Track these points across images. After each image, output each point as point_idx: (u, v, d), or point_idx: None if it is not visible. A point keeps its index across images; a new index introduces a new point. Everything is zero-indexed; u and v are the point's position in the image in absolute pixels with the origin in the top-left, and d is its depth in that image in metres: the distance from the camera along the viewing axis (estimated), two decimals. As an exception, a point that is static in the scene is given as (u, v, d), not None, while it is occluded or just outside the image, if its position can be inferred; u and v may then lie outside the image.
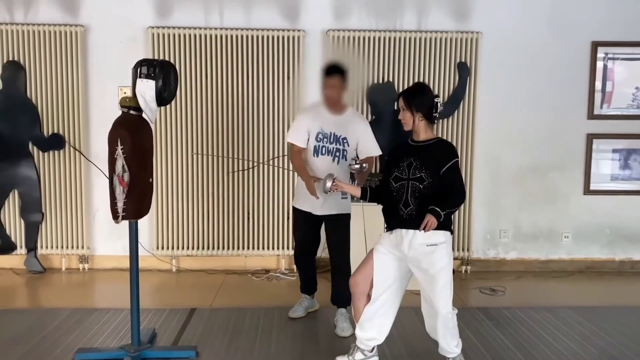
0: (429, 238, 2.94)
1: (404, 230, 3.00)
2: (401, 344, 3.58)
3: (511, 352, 3.51)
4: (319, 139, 3.75)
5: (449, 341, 3.07)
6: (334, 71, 3.74)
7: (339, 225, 3.78)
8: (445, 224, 2.97)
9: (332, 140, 3.74)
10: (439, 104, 3.06)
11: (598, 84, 5.23)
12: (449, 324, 3.03)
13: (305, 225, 3.91)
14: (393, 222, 3.07)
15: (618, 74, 5.25)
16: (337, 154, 3.74)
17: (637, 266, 5.40)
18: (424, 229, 2.88)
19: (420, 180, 2.97)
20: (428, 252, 2.95)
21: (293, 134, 3.81)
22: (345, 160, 3.74)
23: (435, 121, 3.12)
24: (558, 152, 5.28)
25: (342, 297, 3.72)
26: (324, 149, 3.74)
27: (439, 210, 2.88)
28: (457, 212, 5.17)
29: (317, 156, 3.75)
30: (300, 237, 3.99)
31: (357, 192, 3.25)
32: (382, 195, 3.18)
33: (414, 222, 2.95)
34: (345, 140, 3.74)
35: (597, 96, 5.24)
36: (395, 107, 5.03)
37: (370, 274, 3.10)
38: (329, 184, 3.19)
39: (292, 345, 3.58)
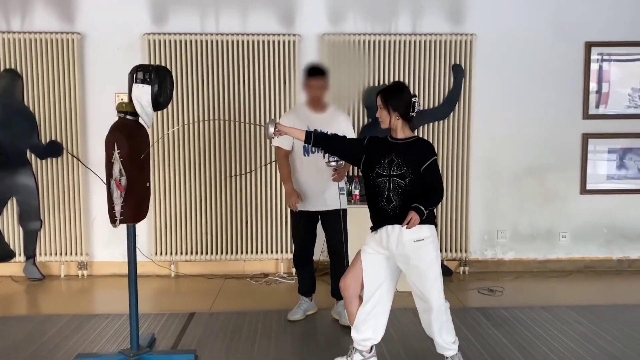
0: (416, 234, 2.97)
1: (390, 227, 3.03)
2: (400, 344, 3.59)
3: (510, 352, 3.52)
4: None
5: (445, 337, 3.08)
6: (317, 72, 3.88)
7: (336, 220, 3.82)
8: (429, 219, 3.01)
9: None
10: (416, 104, 3.08)
11: (594, 85, 5.26)
12: (443, 317, 3.05)
13: (304, 226, 3.98)
14: (378, 218, 3.10)
15: (613, 74, 5.28)
16: None
17: (634, 265, 5.41)
18: (407, 225, 2.91)
19: (402, 176, 3.01)
20: (416, 247, 2.99)
21: (278, 138, 3.74)
22: None
23: (412, 120, 3.13)
24: (554, 153, 5.30)
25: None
26: (313, 147, 3.77)
27: (422, 208, 2.92)
28: (454, 213, 5.20)
29: (308, 155, 3.83)
30: (300, 239, 4.04)
31: (302, 135, 3.24)
32: (332, 146, 3.27)
33: (399, 218, 2.97)
34: None
35: (594, 97, 5.26)
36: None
37: (359, 275, 3.12)
38: (271, 129, 3.17)
39: (291, 348, 3.59)
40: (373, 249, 3.11)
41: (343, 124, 3.89)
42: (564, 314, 4.15)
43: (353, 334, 3.18)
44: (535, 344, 3.63)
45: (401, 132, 3.11)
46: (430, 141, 4.98)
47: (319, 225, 4.02)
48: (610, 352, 3.51)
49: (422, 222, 2.95)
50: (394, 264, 3.10)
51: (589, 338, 3.73)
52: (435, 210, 3.17)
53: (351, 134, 3.91)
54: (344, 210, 3.87)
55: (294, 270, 5.22)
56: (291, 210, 4.00)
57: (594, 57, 5.22)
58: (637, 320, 4.10)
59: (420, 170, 3.01)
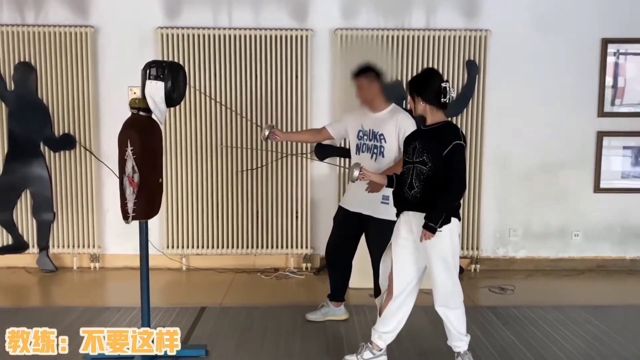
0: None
1: (411, 213, 3.07)
2: (410, 342, 3.58)
3: (520, 351, 3.50)
4: (360, 137, 3.79)
5: (454, 322, 3.10)
6: (357, 73, 3.80)
7: (376, 229, 3.67)
8: (449, 212, 3.00)
9: (370, 137, 3.75)
10: (447, 88, 3.00)
11: (610, 80, 5.18)
12: (450, 303, 3.08)
13: (340, 223, 3.88)
14: (399, 203, 3.14)
15: (630, 70, 5.21)
16: (375, 150, 3.73)
17: (648, 265, 5.38)
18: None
19: (423, 163, 3.00)
20: (435, 236, 2.98)
21: (333, 125, 3.99)
22: (383, 157, 3.69)
23: (445, 106, 3.06)
24: (568, 150, 5.25)
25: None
26: (364, 146, 3.76)
27: (432, 225, 2.93)
28: (466, 211, 5.16)
29: (359, 154, 3.78)
30: (333, 235, 3.93)
31: (384, 180, 3.22)
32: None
33: (419, 204, 3.01)
34: (382, 137, 3.70)
35: (609, 92, 5.19)
36: (403, 105, 5.06)
37: (388, 270, 3.18)
38: (356, 172, 3.18)
39: (301, 344, 3.60)
40: (404, 238, 3.11)
41: (394, 123, 3.65)
42: (575, 313, 4.13)
43: (378, 326, 3.22)
44: (545, 344, 3.62)
45: (430, 117, 3.08)
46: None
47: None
48: (621, 354, 3.48)
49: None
50: (423, 258, 3.10)
51: (599, 339, 3.70)
52: (459, 203, 3.13)
53: (408, 132, 3.49)
54: (387, 221, 3.56)
55: (304, 265, 5.26)
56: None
57: (610, 51, 5.14)
58: (650, 321, 4.08)
59: (442, 156, 2.96)
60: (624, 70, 5.21)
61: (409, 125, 3.61)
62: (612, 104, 5.21)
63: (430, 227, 2.92)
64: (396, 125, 3.66)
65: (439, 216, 2.94)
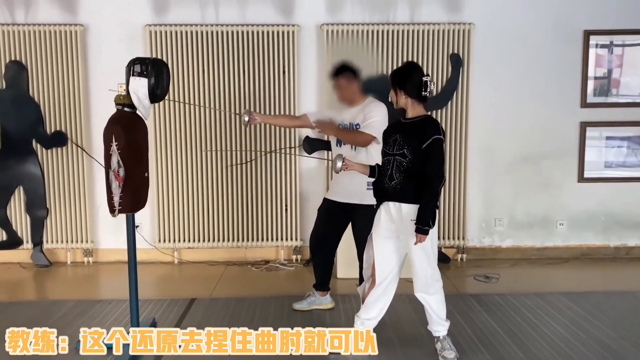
0: (413, 213, 3.08)
1: (391, 203, 3.16)
2: (392, 329, 3.67)
3: (500, 337, 3.59)
4: None
5: (434, 307, 3.20)
6: (333, 73, 3.89)
7: (365, 216, 3.65)
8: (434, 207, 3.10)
9: (349, 129, 3.82)
10: (428, 82, 3.09)
11: (598, 71, 5.24)
12: (430, 289, 3.18)
13: (324, 212, 3.97)
14: (380, 194, 3.24)
15: (626, 61, 5.26)
16: None
17: (631, 252, 5.46)
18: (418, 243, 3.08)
19: (403, 156, 3.09)
20: (412, 225, 3.08)
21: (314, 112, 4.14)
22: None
23: (425, 99, 3.14)
24: (552, 141, 5.33)
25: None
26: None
27: (420, 226, 3.02)
28: (452, 201, 5.26)
29: (340, 146, 3.86)
30: (317, 224, 4.01)
31: (366, 170, 3.30)
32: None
33: (399, 195, 3.11)
34: (358, 127, 3.78)
35: (591, 83, 5.25)
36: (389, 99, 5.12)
37: (371, 260, 3.28)
38: (339, 164, 3.24)
39: (287, 333, 3.69)
40: (385, 228, 3.20)
41: (365, 112, 3.74)
42: (557, 300, 4.21)
43: (361, 313, 3.33)
44: (525, 330, 3.70)
45: (411, 111, 3.16)
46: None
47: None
48: (598, 338, 3.57)
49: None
50: (403, 247, 3.21)
51: (578, 324, 3.79)
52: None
53: (372, 119, 3.67)
54: (371, 207, 3.61)
55: (294, 257, 5.35)
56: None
57: (597, 43, 5.21)
58: (628, 306, 4.16)
59: (421, 149, 3.04)
60: (621, 60, 5.26)
61: (374, 108, 3.73)
62: (608, 94, 5.27)
63: (424, 230, 3.02)
64: (363, 114, 3.74)
65: (428, 216, 3.02)
